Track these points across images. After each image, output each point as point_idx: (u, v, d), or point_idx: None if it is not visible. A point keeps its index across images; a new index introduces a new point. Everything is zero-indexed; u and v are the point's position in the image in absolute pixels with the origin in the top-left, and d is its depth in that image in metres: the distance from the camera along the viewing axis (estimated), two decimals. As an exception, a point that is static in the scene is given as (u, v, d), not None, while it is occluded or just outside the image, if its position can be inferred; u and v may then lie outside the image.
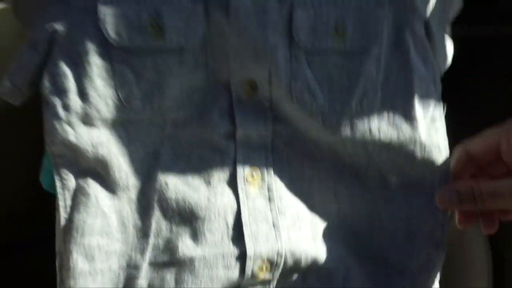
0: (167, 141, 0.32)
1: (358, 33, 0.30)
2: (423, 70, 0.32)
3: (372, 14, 0.30)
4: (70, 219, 0.30)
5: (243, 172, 0.32)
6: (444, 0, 0.34)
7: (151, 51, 0.28)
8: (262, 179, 0.32)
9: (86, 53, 0.28)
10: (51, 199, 0.33)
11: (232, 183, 0.32)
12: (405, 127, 0.31)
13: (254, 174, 0.32)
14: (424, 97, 0.32)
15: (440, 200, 0.31)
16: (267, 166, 0.32)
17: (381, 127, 0.31)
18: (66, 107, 0.28)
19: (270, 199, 0.32)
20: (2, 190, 0.46)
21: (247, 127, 0.31)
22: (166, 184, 0.31)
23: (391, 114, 0.31)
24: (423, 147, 0.32)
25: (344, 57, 0.31)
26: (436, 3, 0.33)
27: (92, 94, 0.28)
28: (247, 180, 0.32)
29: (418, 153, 0.32)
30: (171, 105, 0.30)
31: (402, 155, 0.32)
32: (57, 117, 0.29)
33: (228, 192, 0.32)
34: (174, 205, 0.31)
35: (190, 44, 0.29)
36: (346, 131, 0.31)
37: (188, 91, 0.31)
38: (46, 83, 0.29)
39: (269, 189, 0.33)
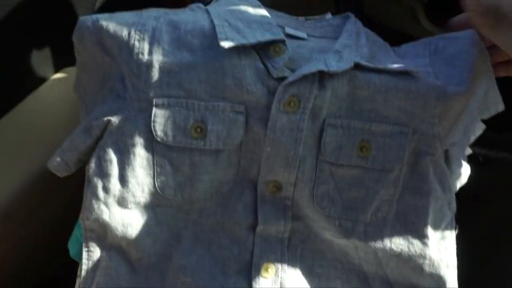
0: (191, 226, 0.34)
1: (381, 155, 0.33)
2: (440, 193, 0.34)
3: (396, 139, 0.32)
4: None
5: (259, 265, 0.33)
6: (465, 127, 0.35)
7: (191, 150, 0.31)
8: (276, 274, 0.33)
9: (132, 144, 0.31)
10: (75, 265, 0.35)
11: (247, 275, 0.33)
12: (416, 242, 0.33)
13: (269, 268, 0.33)
14: (438, 217, 0.33)
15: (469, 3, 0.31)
16: (282, 261, 0.34)
17: (393, 238, 0.33)
18: (106, 190, 0.31)
19: None
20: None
21: (268, 223, 0.33)
22: (184, 267, 0.33)
23: (403, 229, 0.33)
24: (431, 262, 0.33)
25: (365, 172, 0.33)
26: (458, 131, 0.34)
27: (132, 181, 0.31)
28: (262, 274, 0.33)
29: (427, 268, 0.33)
30: (200, 196, 0.33)
31: (411, 267, 0.33)
32: (96, 197, 0.32)
33: (242, 283, 0.33)
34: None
35: (227, 147, 0.32)
36: (359, 237, 0.33)
37: (217, 185, 0.33)
38: (92, 165, 0.32)
39: (281, 283, 0.33)
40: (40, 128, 0.47)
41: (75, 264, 0.35)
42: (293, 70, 0.31)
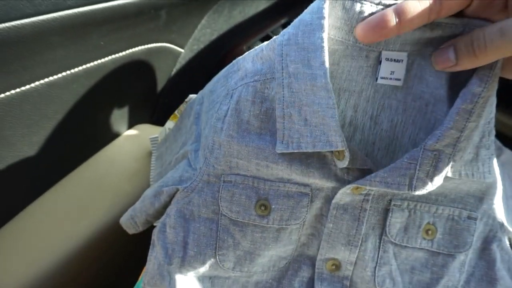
0: None
1: (447, 239, 0.31)
2: (508, 281, 0.32)
3: (463, 224, 0.31)
4: None
5: None
6: None
7: (253, 226, 0.31)
8: None
9: (198, 214, 0.32)
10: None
11: None
12: None
13: None
14: None
15: (435, 61, 0.27)
16: None
17: None
18: (168, 256, 0.32)
19: None
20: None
21: None
22: None
23: None
24: None
25: (429, 255, 0.32)
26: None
27: (194, 249, 0.32)
28: None
29: None
30: (258, 270, 0.32)
31: None
32: (158, 262, 0.32)
33: None
34: None
35: (289, 226, 0.32)
36: None
37: (276, 259, 0.33)
38: (157, 230, 0.33)
39: None
40: (111, 178, 0.50)
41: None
42: (370, 149, 0.30)
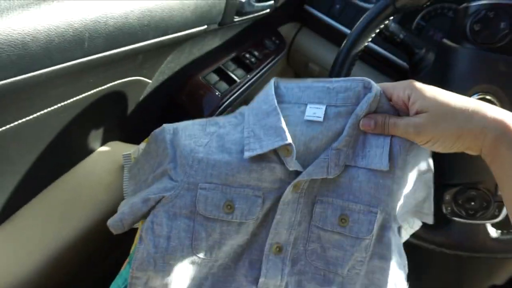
0: (211, 277, 0.46)
1: (356, 227, 0.42)
2: (398, 258, 0.44)
3: (367, 216, 0.42)
4: None
5: None
6: (415, 212, 0.49)
7: (221, 221, 0.43)
8: None
9: (180, 214, 0.44)
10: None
11: None
12: None
13: None
14: (396, 276, 0.44)
15: (362, 124, 0.43)
16: None
17: None
18: (155, 246, 0.43)
19: None
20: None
21: (268, 277, 0.43)
22: None
23: (370, 282, 0.43)
24: None
25: (344, 238, 0.43)
26: (411, 209, 0.47)
27: (176, 241, 0.43)
28: None
29: None
30: (222, 256, 0.45)
31: None
32: (147, 252, 0.44)
33: None
34: None
35: (248, 220, 0.43)
36: (337, 286, 0.44)
37: (236, 247, 0.45)
38: (146, 227, 0.44)
39: None
40: (86, 190, 0.59)
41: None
42: (302, 163, 0.43)
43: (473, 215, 0.55)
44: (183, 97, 0.75)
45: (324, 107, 0.45)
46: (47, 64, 0.40)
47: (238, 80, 0.79)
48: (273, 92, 0.46)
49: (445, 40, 0.59)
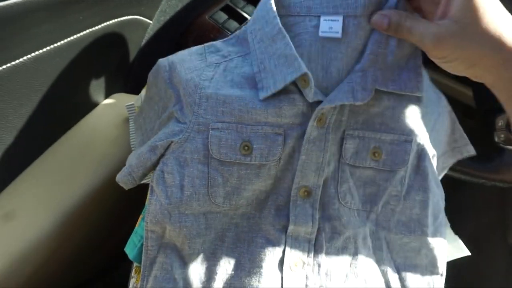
0: (234, 228, 0.41)
1: (389, 159, 0.39)
2: (435, 189, 0.41)
3: (402, 146, 0.39)
4: (147, 281, 0.39)
5: (289, 261, 0.40)
6: (453, 149, 0.44)
7: (239, 164, 0.38)
8: (303, 268, 0.40)
9: (192, 159, 0.38)
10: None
11: (279, 269, 0.40)
12: (417, 230, 0.40)
13: (297, 263, 0.40)
14: (436, 209, 0.41)
15: (374, 20, 0.36)
16: (308, 257, 0.41)
17: (398, 225, 0.40)
18: (168, 197, 0.39)
19: (306, 286, 0.40)
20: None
21: (298, 224, 0.39)
22: (229, 262, 0.40)
23: (408, 219, 0.40)
24: (428, 245, 0.40)
25: (377, 173, 0.39)
26: (448, 150, 0.43)
27: (190, 190, 0.38)
28: (291, 269, 0.40)
29: (424, 250, 0.40)
30: (243, 203, 0.40)
31: (411, 248, 0.41)
32: (160, 203, 0.39)
33: (275, 277, 0.40)
34: (232, 280, 0.39)
35: (268, 162, 0.38)
36: (371, 223, 0.40)
37: (258, 193, 0.40)
38: (156, 177, 0.39)
39: (307, 277, 0.40)
40: (92, 144, 0.55)
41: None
42: (324, 91, 0.38)
43: None
44: (189, 41, 0.68)
45: (341, 19, 0.37)
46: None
47: (249, 18, 0.70)
48: (273, 7, 0.38)
49: None
